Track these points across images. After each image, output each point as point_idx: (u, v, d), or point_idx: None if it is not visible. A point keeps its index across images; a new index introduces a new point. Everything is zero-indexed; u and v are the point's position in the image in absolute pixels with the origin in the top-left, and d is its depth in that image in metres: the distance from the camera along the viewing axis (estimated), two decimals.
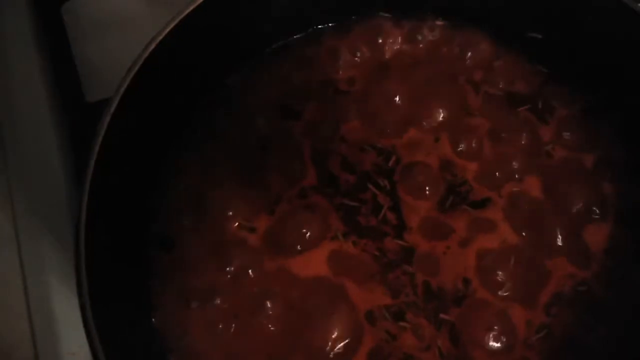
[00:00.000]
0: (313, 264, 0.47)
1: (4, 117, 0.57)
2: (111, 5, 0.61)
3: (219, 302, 0.46)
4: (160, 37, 0.42)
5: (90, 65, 0.58)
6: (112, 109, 0.40)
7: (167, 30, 0.43)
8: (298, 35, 0.55)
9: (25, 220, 0.53)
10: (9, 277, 0.51)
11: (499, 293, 0.46)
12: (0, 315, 0.50)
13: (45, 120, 0.56)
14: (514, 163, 0.50)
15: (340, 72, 0.54)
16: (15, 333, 0.49)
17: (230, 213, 0.48)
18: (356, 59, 0.54)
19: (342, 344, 0.45)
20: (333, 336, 0.45)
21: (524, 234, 0.48)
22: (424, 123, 0.52)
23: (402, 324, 0.45)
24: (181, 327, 0.45)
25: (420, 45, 0.55)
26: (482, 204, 0.49)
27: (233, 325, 0.45)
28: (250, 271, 0.47)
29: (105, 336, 0.37)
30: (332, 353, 0.44)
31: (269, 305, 0.45)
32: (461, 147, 0.51)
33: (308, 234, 0.48)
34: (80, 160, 0.41)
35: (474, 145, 0.51)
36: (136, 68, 0.41)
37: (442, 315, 0.46)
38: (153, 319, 0.45)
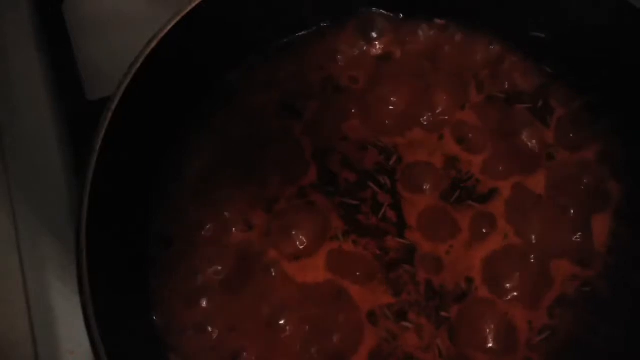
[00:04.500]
0: (314, 263, 0.47)
1: (5, 115, 0.56)
2: (112, 3, 0.60)
3: (219, 300, 0.46)
4: (162, 34, 0.42)
5: (91, 63, 0.58)
6: (114, 106, 0.40)
7: (169, 27, 0.42)
8: (300, 33, 0.55)
9: (25, 219, 0.53)
10: (9, 276, 0.51)
11: (502, 293, 0.46)
12: (1, 314, 0.50)
13: (45, 119, 0.56)
14: (517, 160, 0.50)
15: (342, 70, 0.54)
16: (15, 332, 0.49)
17: (231, 211, 0.48)
18: (358, 56, 0.54)
19: (343, 343, 0.44)
20: (334, 336, 0.45)
21: (527, 233, 0.48)
22: (427, 121, 0.52)
23: (404, 324, 0.45)
24: (182, 325, 0.45)
25: (423, 44, 0.55)
26: (488, 196, 0.49)
27: (234, 323, 0.45)
28: (250, 269, 0.46)
29: (106, 334, 0.37)
30: (332, 352, 0.44)
31: (269, 304, 0.45)
32: (465, 144, 0.51)
33: (308, 233, 0.47)
34: (81, 159, 0.40)
35: (477, 142, 0.51)
36: (138, 65, 0.41)
37: (442, 313, 0.45)
38: (154, 317, 0.45)
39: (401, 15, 0.55)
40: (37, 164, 0.55)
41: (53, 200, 0.53)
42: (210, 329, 0.45)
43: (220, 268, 0.47)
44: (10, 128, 0.56)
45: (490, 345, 0.45)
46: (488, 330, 0.45)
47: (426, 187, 0.49)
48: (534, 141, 0.51)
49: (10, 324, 0.49)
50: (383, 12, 0.55)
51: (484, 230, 0.48)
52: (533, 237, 0.48)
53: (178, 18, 0.43)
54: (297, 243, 0.47)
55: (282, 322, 0.45)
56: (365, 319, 0.45)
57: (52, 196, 0.54)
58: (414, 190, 0.49)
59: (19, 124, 0.56)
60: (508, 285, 0.46)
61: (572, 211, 0.49)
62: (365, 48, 0.54)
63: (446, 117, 0.52)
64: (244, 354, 0.44)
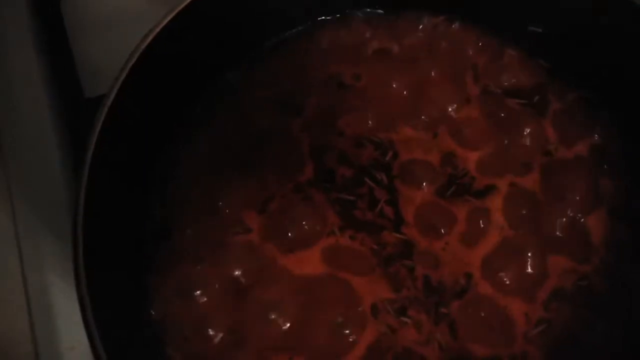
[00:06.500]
0: (311, 258, 0.47)
1: (4, 115, 0.57)
2: (111, 1, 0.61)
3: (218, 297, 0.46)
4: (159, 29, 0.42)
5: (89, 61, 0.58)
6: (109, 102, 0.40)
7: (166, 22, 0.43)
8: (298, 29, 0.55)
9: (24, 216, 0.53)
10: (9, 274, 0.51)
11: (499, 287, 0.46)
12: (0, 313, 0.50)
13: (44, 117, 0.56)
14: (514, 156, 0.50)
15: (340, 67, 0.54)
16: (14, 329, 0.49)
17: (228, 207, 0.48)
18: (356, 53, 0.54)
19: (343, 336, 0.45)
20: (334, 329, 0.45)
21: (524, 228, 0.48)
22: (424, 117, 0.52)
23: (404, 319, 0.45)
24: (180, 322, 0.45)
25: (420, 40, 0.55)
26: (485, 192, 0.49)
27: (233, 318, 0.45)
28: (248, 263, 0.46)
29: (105, 330, 0.37)
30: (332, 345, 0.44)
31: (268, 298, 0.45)
32: (461, 139, 0.51)
33: (306, 228, 0.48)
34: (79, 156, 0.41)
35: (473, 138, 0.51)
36: (133, 60, 0.41)
37: (442, 310, 0.45)
38: (152, 312, 0.45)
39: (399, 11, 0.55)
40: (37, 163, 0.55)
41: (53, 199, 0.53)
42: (208, 324, 0.45)
43: (218, 263, 0.47)
44: (10, 128, 0.56)
45: (490, 338, 0.45)
46: (488, 325, 0.45)
47: (422, 182, 0.49)
48: (530, 136, 0.51)
49: (10, 321, 0.50)
50: (381, 8, 0.55)
51: (481, 226, 0.48)
52: (529, 232, 0.48)
53: (174, 13, 0.43)
54: (295, 238, 0.47)
55: (281, 316, 0.45)
56: (368, 312, 0.45)
57: (52, 195, 0.54)
58: (410, 185, 0.49)
59: (18, 124, 0.56)
60: (506, 280, 0.46)
61: (568, 208, 0.49)
62: (363, 44, 0.54)
63: (443, 113, 0.52)
64: (244, 348, 0.44)
